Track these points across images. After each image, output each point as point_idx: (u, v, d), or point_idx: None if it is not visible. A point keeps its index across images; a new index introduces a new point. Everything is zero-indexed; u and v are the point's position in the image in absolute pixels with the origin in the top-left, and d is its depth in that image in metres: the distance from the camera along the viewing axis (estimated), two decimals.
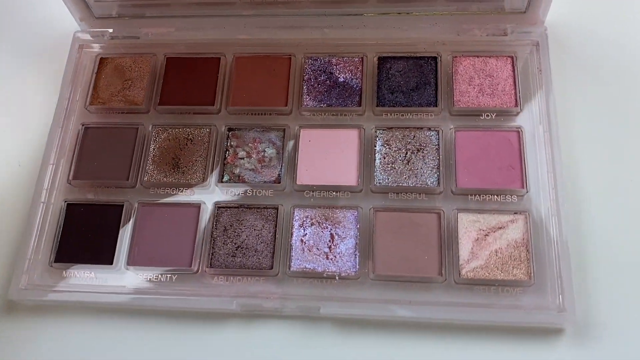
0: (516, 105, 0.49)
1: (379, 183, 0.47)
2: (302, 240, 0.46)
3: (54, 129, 0.52)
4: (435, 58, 0.51)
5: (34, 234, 0.48)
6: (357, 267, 0.45)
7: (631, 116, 0.50)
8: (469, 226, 0.45)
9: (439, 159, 0.47)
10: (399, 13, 0.52)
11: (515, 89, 0.50)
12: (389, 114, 0.50)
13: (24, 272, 0.47)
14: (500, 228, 0.45)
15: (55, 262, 0.47)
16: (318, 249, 0.46)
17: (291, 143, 0.50)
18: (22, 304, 0.47)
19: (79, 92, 0.54)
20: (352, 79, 0.51)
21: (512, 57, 0.51)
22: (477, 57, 0.51)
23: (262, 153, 0.50)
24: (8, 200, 0.52)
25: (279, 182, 0.48)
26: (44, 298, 0.47)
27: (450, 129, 0.49)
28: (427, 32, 0.52)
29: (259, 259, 0.46)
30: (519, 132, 0.48)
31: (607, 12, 0.55)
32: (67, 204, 0.49)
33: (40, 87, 0.57)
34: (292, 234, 0.46)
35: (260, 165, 0.49)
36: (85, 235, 0.48)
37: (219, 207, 0.48)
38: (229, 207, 0.48)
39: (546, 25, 0.51)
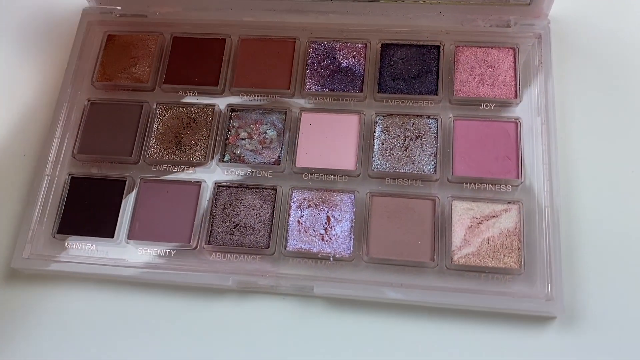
0: (515, 96, 0.49)
1: (377, 168, 0.48)
2: (299, 221, 0.47)
3: (61, 103, 0.53)
4: (437, 47, 0.52)
5: (38, 205, 0.50)
6: (352, 249, 0.46)
7: (629, 112, 0.50)
8: (462, 214, 0.46)
9: (436, 147, 0.48)
10: (404, 0, 0.52)
11: (515, 80, 0.50)
12: (389, 101, 0.51)
13: (27, 242, 0.49)
14: (494, 217, 0.46)
15: (57, 233, 0.49)
16: (314, 230, 0.47)
17: (291, 125, 0.50)
18: (24, 273, 0.49)
19: (86, 68, 0.55)
20: (355, 65, 0.52)
21: (514, 49, 0.51)
22: (480, 47, 0.52)
23: (264, 135, 0.50)
24: (13, 172, 0.53)
25: (279, 164, 0.49)
26: (46, 268, 0.48)
27: (449, 117, 0.49)
28: (432, 20, 0.53)
29: (256, 237, 0.47)
30: (516, 123, 0.49)
31: (610, 8, 0.55)
32: (71, 177, 0.51)
33: (49, 63, 0.58)
34: (289, 215, 0.47)
35: (261, 146, 0.50)
36: (87, 209, 0.49)
37: (219, 186, 0.49)
38: (229, 187, 0.49)
39: (549, 19, 0.52)
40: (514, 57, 0.51)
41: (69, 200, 0.50)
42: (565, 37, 0.53)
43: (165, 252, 0.47)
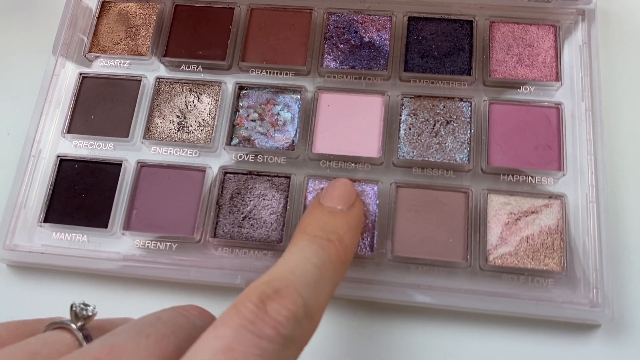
0: (557, 79, 0.45)
1: (403, 156, 0.43)
2: None
3: (48, 76, 0.48)
4: (470, 22, 0.47)
5: (22, 190, 0.44)
6: (375, 245, 0.41)
7: None
8: (499, 209, 0.41)
9: (470, 133, 0.43)
10: None
11: (557, 61, 0.45)
12: (417, 81, 0.45)
13: (10, 232, 0.43)
14: (533, 212, 0.41)
15: (44, 221, 0.44)
16: None
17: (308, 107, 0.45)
18: (6, 265, 0.44)
19: (77, 39, 0.49)
20: (379, 40, 0.47)
21: (555, 27, 0.46)
22: (517, 24, 0.47)
23: (276, 116, 0.45)
24: None
25: (293, 149, 0.44)
26: (31, 260, 0.43)
27: (484, 100, 0.44)
28: None
29: (267, 231, 0.42)
30: (558, 108, 0.44)
31: None
32: (60, 159, 0.45)
33: (35, 31, 0.52)
34: (304, 207, 0.42)
35: (273, 129, 0.45)
36: (78, 195, 0.44)
37: (226, 173, 0.44)
38: (237, 173, 0.44)
39: None
40: (555, 36, 0.46)
41: (58, 185, 0.45)
42: (612, 15, 0.48)
43: (166, 245, 0.42)
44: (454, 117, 0.44)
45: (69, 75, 0.48)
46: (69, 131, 0.46)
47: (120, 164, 0.45)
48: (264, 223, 0.42)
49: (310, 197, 0.43)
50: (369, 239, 0.41)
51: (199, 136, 0.45)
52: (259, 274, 0.41)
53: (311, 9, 0.48)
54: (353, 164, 0.44)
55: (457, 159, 0.43)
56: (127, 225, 0.43)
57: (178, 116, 0.46)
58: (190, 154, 0.45)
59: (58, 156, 0.45)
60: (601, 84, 0.44)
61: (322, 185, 0.43)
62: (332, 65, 0.46)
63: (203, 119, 0.45)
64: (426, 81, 0.45)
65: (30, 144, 0.46)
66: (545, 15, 0.47)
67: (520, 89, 0.45)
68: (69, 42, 0.49)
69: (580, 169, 0.42)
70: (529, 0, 0.47)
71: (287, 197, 0.43)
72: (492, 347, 0.40)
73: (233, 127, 0.45)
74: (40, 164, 0.46)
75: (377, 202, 0.42)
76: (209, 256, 0.42)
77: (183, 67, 0.47)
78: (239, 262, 0.42)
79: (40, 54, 0.50)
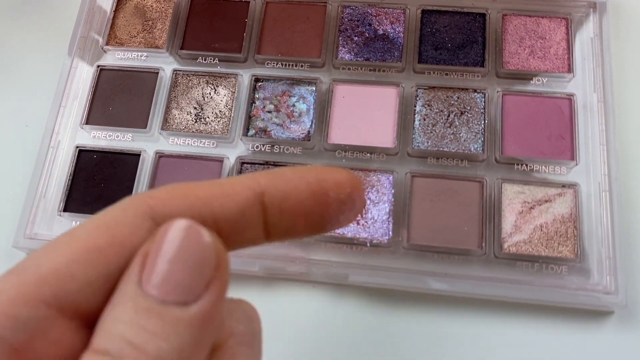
0: (569, 71, 0.45)
1: (418, 146, 0.44)
2: None
3: (66, 69, 0.48)
4: (483, 15, 0.47)
5: (42, 180, 0.45)
6: (391, 234, 0.42)
7: None
8: (513, 197, 0.42)
9: (484, 124, 0.44)
10: None
11: (568, 53, 0.46)
12: (431, 73, 0.46)
13: (30, 221, 0.44)
14: (547, 201, 0.42)
15: (64, 211, 0.44)
16: None
17: (323, 98, 0.46)
18: (27, 254, 0.44)
19: (94, 32, 0.50)
20: (393, 33, 0.47)
21: (566, 19, 0.47)
22: (529, 16, 0.47)
23: (292, 108, 0.46)
24: (14, 144, 0.49)
25: (309, 140, 0.45)
26: None
27: (497, 92, 0.45)
28: None
29: None
30: (571, 99, 0.44)
31: None
32: (79, 150, 0.46)
33: (53, 25, 0.53)
34: None
35: (289, 120, 0.46)
36: (97, 185, 0.45)
37: (243, 163, 0.45)
38: (254, 164, 0.45)
39: None
40: (567, 28, 0.47)
41: (77, 176, 0.45)
42: (624, 8, 0.48)
43: None
44: (468, 107, 0.45)
45: (86, 68, 0.49)
46: (87, 122, 0.47)
47: (139, 155, 0.45)
48: None
49: None
50: (384, 227, 0.42)
51: (216, 127, 0.46)
52: (277, 262, 0.42)
53: (325, 2, 0.49)
54: (368, 154, 0.44)
55: (472, 149, 0.43)
56: None
57: (195, 108, 0.46)
58: (207, 144, 0.46)
59: (77, 147, 0.46)
60: (613, 76, 0.45)
61: None
62: (346, 58, 0.47)
63: (220, 111, 0.46)
64: (440, 73, 0.46)
65: (49, 135, 0.46)
66: (556, 8, 0.47)
67: (532, 80, 0.45)
68: (86, 35, 0.50)
69: (593, 158, 0.43)
70: None
71: None
72: (506, 333, 0.40)
73: (249, 118, 0.46)
74: (59, 155, 0.46)
75: (393, 191, 0.43)
76: None
77: (200, 59, 0.48)
78: (256, 250, 0.42)
79: (57, 47, 0.51)
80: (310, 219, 0.21)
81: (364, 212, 0.42)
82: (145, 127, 0.46)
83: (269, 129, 0.45)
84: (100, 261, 0.18)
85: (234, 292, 0.43)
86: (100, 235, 0.18)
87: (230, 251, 0.19)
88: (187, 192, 0.20)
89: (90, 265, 0.18)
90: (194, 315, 0.17)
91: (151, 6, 0.50)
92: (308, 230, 0.21)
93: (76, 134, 0.47)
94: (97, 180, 0.45)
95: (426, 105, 0.45)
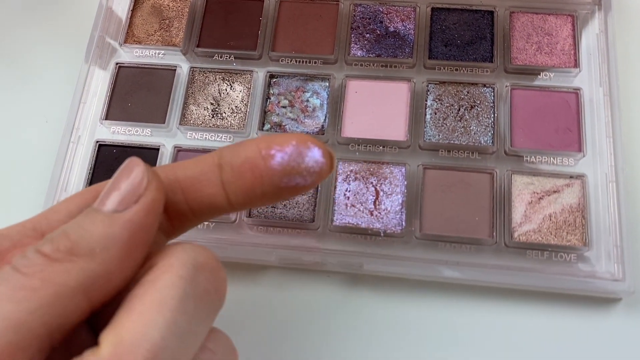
0: (575, 66, 0.46)
1: (429, 139, 0.45)
2: (345, 195, 0.44)
3: (86, 66, 0.50)
4: (491, 12, 0.49)
5: (63, 175, 0.46)
6: (404, 224, 0.43)
7: None
8: (522, 188, 0.43)
9: (493, 117, 0.45)
10: None
11: (575, 49, 0.47)
12: (441, 68, 0.47)
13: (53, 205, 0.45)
14: (555, 192, 0.43)
15: None
16: (362, 204, 0.44)
17: (336, 93, 0.47)
18: None
19: (112, 30, 0.51)
20: (404, 30, 0.49)
21: (572, 16, 0.48)
22: (536, 14, 0.49)
23: (306, 103, 0.47)
24: (34, 139, 0.50)
25: (323, 134, 0.46)
26: None
27: (506, 86, 0.46)
28: None
29: (300, 211, 0.44)
30: (577, 93, 0.46)
31: None
32: (99, 144, 0.47)
33: (72, 24, 0.54)
34: (335, 188, 0.44)
35: (303, 115, 0.47)
36: None
37: None
38: None
39: None
40: (573, 25, 0.48)
41: (97, 170, 0.47)
42: (628, 5, 0.50)
43: (204, 224, 0.44)
44: (478, 102, 0.46)
45: (105, 65, 0.50)
46: (106, 118, 0.48)
47: (158, 149, 0.46)
48: (296, 203, 0.44)
49: (340, 178, 0.45)
50: (397, 218, 0.43)
51: (233, 122, 0.47)
52: (293, 252, 0.43)
53: (338, 1, 0.50)
54: (381, 147, 0.45)
55: (482, 142, 0.45)
56: None
57: (212, 103, 0.48)
58: (224, 138, 0.47)
59: (97, 142, 0.47)
60: (618, 70, 0.46)
61: (351, 167, 0.45)
62: (358, 54, 0.48)
63: (236, 106, 0.47)
64: (450, 68, 0.47)
65: (69, 131, 0.48)
66: (562, 5, 0.49)
67: (540, 75, 0.47)
68: (103, 33, 0.51)
69: (600, 150, 0.44)
70: None
71: None
72: (516, 320, 0.41)
73: (265, 113, 0.47)
74: (79, 150, 0.47)
75: (405, 183, 0.44)
76: (244, 235, 0.44)
77: (216, 56, 0.49)
78: (273, 241, 0.44)
79: (76, 44, 0.52)
80: (258, 172, 0.24)
81: (377, 202, 0.43)
82: (163, 123, 0.47)
83: (283, 124, 0.47)
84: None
85: (253, 281, 0.44)
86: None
87: (199, 209, 0.25)
88: (163, 166, 0.26)
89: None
90: (124, 218, 0.22)
91: (168, 5, 0.51)
92: (262, 189, 0.25)
93: (95, 129, 0.48)
94: None
95: (437, 100, 0.46)
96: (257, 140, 0.25)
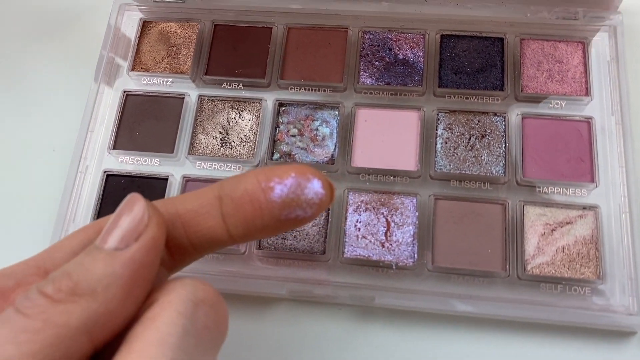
0: (587, 94, 0.46)
1: (440, 169, 0.45)
2: (356, 226, 0.44)
3: (93, 95, 0.49)
4: (501, 39, 0.48)
5: (71, 205, 0.46)
6: (416, 257, 0.42)
7: None
8: (535, 220, 0.43)
9: (505, 147, 0.45)
10: None
11: (586, 77, 0.47)
12: (451, 96, 0.47)
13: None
14: (568, 223, 0.43)
15: None
16: (373, 235, 0.43)
17: (346, 122, 0.47)
18: None
19: (119, 58, 0.51)
20: (413, 57, 0.48)
21: (583, 43, 0.48)
22: (546, 40, 0.48)
23: (315, 131, 0.47)
24: (42, 168, 0.50)
25: (333, 163, 0.46)
26: None
27: (517, 115, 0.46)
28: (494, 11, 0.49)
29: (310, 242, 0.44)
30: (589, 122, 0.45)
31: None
32: (107, 174, 0.47)
33: (79, 51, 0.54)
34: (345, 219, 0.44)
35: (312, 144, 0.47)
36: None
37: None
38: None
39: (620, 11, 0.48)
40: (584, 52, 0.48)
41: (105, 200, 0.46)
42: (639, 32, 0.49)
43: (212, 256, 0.44)
44: (489, 131, 0.45)
45: (112, 93, 0.50)
46: (114, 147, 0.48)
47: (167, 179, 0.46)
48: (306, 235, 0.44)
49: (350, 209, 0.44)
50: (409, 250, 0.43)
51: (242, 151, 0.47)
52: (304, 285, 0.42)
53: (346, 28, 0.50)
54: (392, 177, 0.45)
55: (493, 172, 0.44)
56: None
57: (221, 132, 0.47)
58: (233, 168, 0.46)
59: (104, 171, 0.47)
60: (630, 99, 0.46)
61: (362, 198, 0.44)
62: (368, 82, 0.48)
63: (245, 135, 0.47)
64: (460, 96, 0.47)
65: (77, 160, 0.47)
66: (572, 32, 0.49)
67: (551, 103, 0.46)
68: (111, 60, 0.51)
69: (612, 180, 0.44)
70: (557, 18, 0.49)
71: (329, 209, 0.44)
72: (530, 354, 0.41)
73: (274, 142, 0.47)
74: (87, 180, 0.47)
75: (417, 214, 0.44)
76: (253, 267, 0.44)
77: (224, 85, 0.49)
78: (283, 273, 0.43)
79: (83, 72, 0.52)
80: (258, 205, 0.24)
81: (389, 234, 0.43)
82: (172, 152, 0.47)
83: (293, 153, 0.46)
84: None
85: (262, 314, 0.44)
86: None
87: (199, 243, 0.25)
88: (163, 201, 0.25)
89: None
90: (125, 256, 0.22)
91: (175, 32, 0.51)
92: (262, 221, 0.24)
93: (103, 158, 0.48)
94: None
95: (447, 129, 0.46)
96: (257, 172, 0.25)
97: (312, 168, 0.25)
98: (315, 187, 0.24)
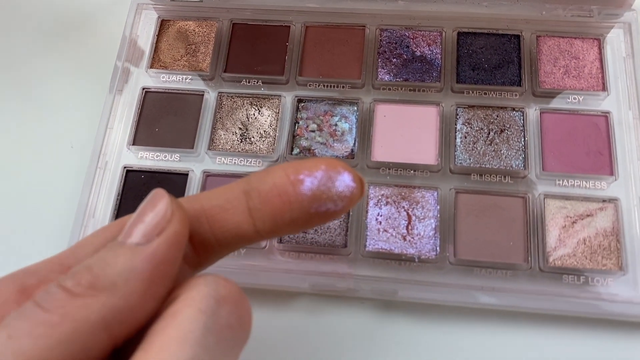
0: (604, 89, 0.47)
1: (460, 163, 0.45)
2: (377, 220, 0.44)
3: (112, 91, 0.50)
4: (518, 36, 0.49)
5: (91, 200, 0.46)
6: (438, 249, 0.42)
7: None
8: (556, 212, 0.43)
9: (524, 141, 0.45)
10: None
11: (602, 72, 0.47)
12: (469, 92, 0.47)
13: (79, 239, 0.45)
14: (589, 215, 0.43)
15: None
16: (394, 229, 0.43)
17: (365, 118, 0.47)
18: None
19: (138, 55, 0.51)
20: (430, 54, 0.49)
21: (598, 40, 0.49)
22: (562, 37, 0.49)
23: (334, 127, 0.47)
24: (60, 164, 0.50)
25: (352, 158, 0.46)
26: None
27: (535, 110, 0.46)
28: (509, 9, 0.50)
29: (331, 236, 0.44)
30: (607, 117, 0.46)
31: None
32: (127, 170, 0.47)
33: (97, 49, 0.54)
34: (367, 212, 0.44)
35: (332, 139, 0.47)
36: None
37: None
38: None
39: (634, 9, 0.49)
40: (599, 49, 0.48)
41: (125, 195, 0.46)
42: None
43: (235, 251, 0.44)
44: (508, 125, 0.46)
45: (131, 90, 0.50)
46: (134, 143, 0.48)
47: (187, 174, 0.46)
48: (327, 228, 0.44)
49: (371, 203, 0.44)
50: (431, 243, 0.43)
51: (261, 147, 0.47)
52: (326, 278, 0.42)
53: (364, 26, 0.50)
54: (412, 171, 0.45)
55: (514, 166, 0.44)
56: None
57: (240, 128, 0.48)
58: (253, 163, 0.47)
59: (124, 167, 0.47)
60: None
61: (382, 192, 0.45)
62: (386, 78, 0.48)
63: (264, 131, 0.47)
64: (478, 92, 0.47)
65: (97, 156, 0.47)
66: (588, 29, 0.49)
67: (569, 98, 0.47)
68: (129, 58, 0.51)
69: (632, 173, 0.44)
70: (572, 15, 0.49)
71: None
72: (552, 346, 0.41)
73: (294, 137, 0.47)
74: (106, 175, 0.47)
75: (438, 207, 0.44)
76: (275, 261, 0.44)
77: (244, 82, 0.49)
78: (304, 267, 0.43)
79: (101, 69, 0.52)
80: (287, 198, 0.23)
81: (410, 227, 0.43)
82: (192, 148, 0.47)
83: (313, 148, 0.47)
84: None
85: (285, 308, 0.44)
86: None
87: (224, 239, 0.25)
88: (188, 197, 0.25)
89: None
90: (147, 251, 0.21)
91: (193, 30, 0.52)
92: (291, 215, 0.24)
93: (122, 154, 0.48)
94: None
95: (466, 124, 0.46)
96: (285, 166, 0.24)
97: (342, 161, 0.24)
98: (346, 179, 0.24)
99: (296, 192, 0.24)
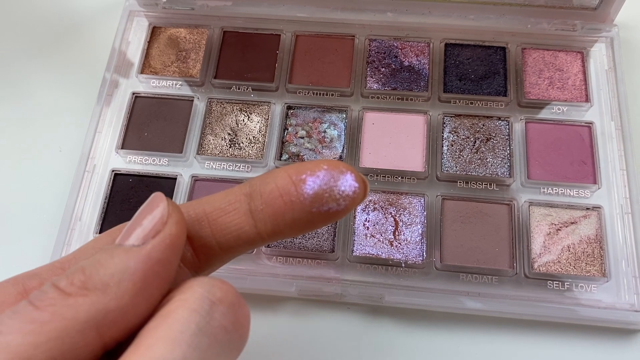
0: (587, 100, 0.48)
1: (447, 170, 0.45)
2: (365, 225, 0.44)
3: (102, 96, 0.50)
4: (504, 48, 0.50)
5: (78, 203, 0.46)
6: (425, 255, 0.43)
7: None
8: (540, 220, 0.44)
9: (509, 149, 0.46)
10: (467, 2, 0.51)
11: (585, 84, 0.48)
12: (456, 101, 0.48)
13: (66, 243, 0.45)
14: (573, 223, 0.44)
15: (100, 233, 0.45)
16: (382, 234, 0.44)
17: (353, 125, 0.48)
18: None
19: (128, 61, 0.52)
20: (418, 64, 0.50)
21: (582, 53, 0.50)
22: (547, 50, 0.50)
23: (323, 133, 0.48)
24: (48, 168, 0.50)
25: None
26: None
27: (520, 119, 0.47)
28: (495, 22, 0.51)
29: (319, 241, 0.44)
30: (590, 127, 0.47)
31: None
32: (115, 173, 0.47)
33: (88, 54, 0.54)
34: (354, 217, 0.44)
35: (321, 145, 0.47)
36: (133, 208, 0.46)
37: None
38: None
39: (616, 24, 0.50)
40: (583, 61, 0.49)
41: (112, 199, 0.46)
42: (633, 44, 0.51)
43: None
44: (493, 134, 0.47)
45: (121, 95, 0.50)
46: (122, 147, 0.48)
47: (175, 179, 0.46)
48: (315, 233, 0.44)
49: (359, 208, 0.45)
50: (418, 248, 0.43)
51: (250, 152, 0.47)
52: (313, 283, 0.42)
53: (353, 36, 0.51)
54: (399, 178, 0.46)
55: (499, 173, 0.45)
56: None
57: (229, 134, 0.48)
58: (242, 168, 0.47)
59: (112, 170, 0.47)
60: (628, 105, 0.47)
61: (370, 198, 0.45)
62: (374, 87, 0.49)
63: (254, 136, 0.48)
64: (465, 102, 0.48)
65: (85, 160, 0.47)
66: (572, 43, 0.50)
67: (553, 109, 0.48)
68: (120, 63, 0.51)
69: (614, 182, 0.45)
70: (556, 29, 0.51)
71: None
72: (536, 351, 0.41)
73: (282, 143, 0.47)
74: (94, 179, 0.47)
75: (425, 213, 0.44)
76: (262, 266, 0.44)
77: (234, 88, 0.50)
78: (292, 271, 0.43)
79: (92, 73, 0.52)
80: (289, 198, 0.23)
81: (397, 233, 0.43)
82: (181, 152, 0.47)
83: (302, 154, 0.47)
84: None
85: (271, 313, 0.43)
86: None
87: (225, 242, 0.24)
88: (190, 202, 0.25)
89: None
90: (141, 252, 0.21)
91: (184, 37, 0.52)
92: (293, 215, 0.24)
93: (110, 158, 0.48)
94: (132, 203, 0.46)
95: (453, 132, 0.47)
96: (287, 167, 0.24)
97: (344, 162, 0.24)
98: (349, 180, 0.24)
99: (298, 192, 0.23)
